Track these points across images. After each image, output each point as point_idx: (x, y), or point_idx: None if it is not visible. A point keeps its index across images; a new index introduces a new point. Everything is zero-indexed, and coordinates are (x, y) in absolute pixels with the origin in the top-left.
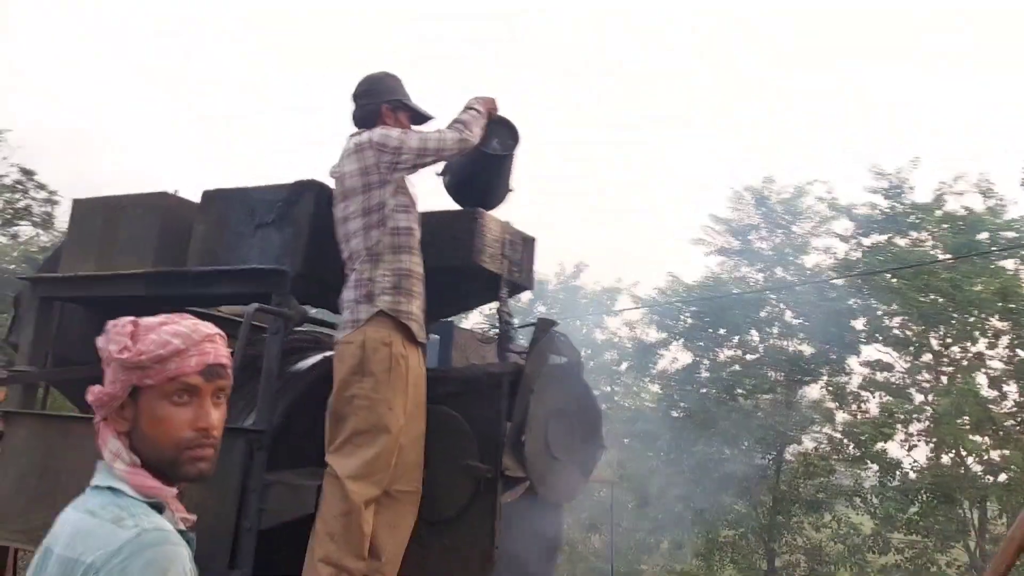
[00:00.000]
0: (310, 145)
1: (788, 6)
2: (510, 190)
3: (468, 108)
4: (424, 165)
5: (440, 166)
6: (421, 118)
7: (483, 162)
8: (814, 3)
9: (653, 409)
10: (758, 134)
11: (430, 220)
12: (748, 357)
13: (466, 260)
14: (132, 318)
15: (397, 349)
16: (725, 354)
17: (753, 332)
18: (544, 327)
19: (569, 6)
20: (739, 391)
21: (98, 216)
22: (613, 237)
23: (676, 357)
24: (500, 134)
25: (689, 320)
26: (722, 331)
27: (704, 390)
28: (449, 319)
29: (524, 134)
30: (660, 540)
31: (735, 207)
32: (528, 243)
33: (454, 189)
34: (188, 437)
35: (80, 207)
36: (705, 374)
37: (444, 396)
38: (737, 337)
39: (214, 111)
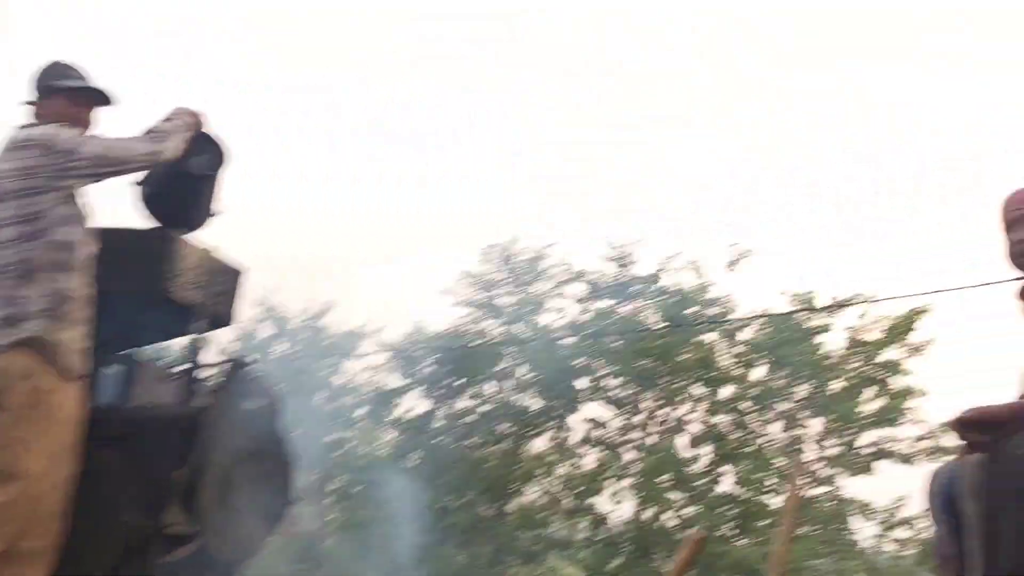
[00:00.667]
0: None
1: None
2: (213, 214)
3: (168, 118)
4: (103, 176)
5: (141, 175)
6: (99, 98)
7: (183, 180)
8: None
9: (385, 457)
10: (501, 194)
11: (114, 237)
12: (482, 409)
13: (154, 286)
14: None
15: (43, 383)
16: (461, 405)
17: (489, 385)
18: (236, 367)
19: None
20: (472, 441)
21: None
22: (364, 279)
23: (413, 406)
24: (206, 151)
25: (429, 368)
26: (460, 381)
27: (437, 439)
28: (132, 351)
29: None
30: None
31: (484, 262)
32: (233, 274)
33: (149, 204)
34: None
35: None
36: (439, 423)
37: (110, 438)
38: (473, 389)
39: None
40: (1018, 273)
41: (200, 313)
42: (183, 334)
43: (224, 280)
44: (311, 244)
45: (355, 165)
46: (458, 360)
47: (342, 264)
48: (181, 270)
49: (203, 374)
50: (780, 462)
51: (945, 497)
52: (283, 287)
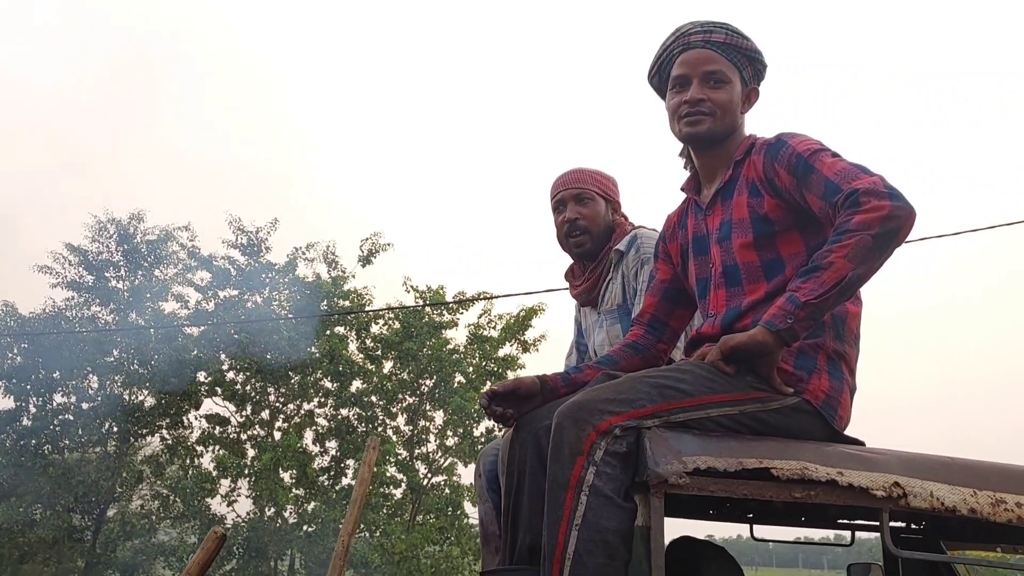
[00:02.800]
0: None
1: None
2: None
3: None
4: None
5: None
6: None
7: None
8: None
9: None
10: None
11: None
12: (84, 405)
13: None
14: None
15: None
16: (57, 400)
17: (93, 377)
18: None
19: None
20: (66, 443)
21: None
22: None
23: None
24: None
25: (19, 359)
26: (56, 374)
27: (23, 441)
28: None
29: None
30: None
31: (96, 239)
32: None
33: None
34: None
35: None
36: (27, 423)
37: None
38: (73, 383)
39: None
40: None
41: None
42: None
43: None
44: None
45: None
46: (53, 351)
47: None
48: None
49: None
50: (401, 454)
51: (491, 475)
52: None
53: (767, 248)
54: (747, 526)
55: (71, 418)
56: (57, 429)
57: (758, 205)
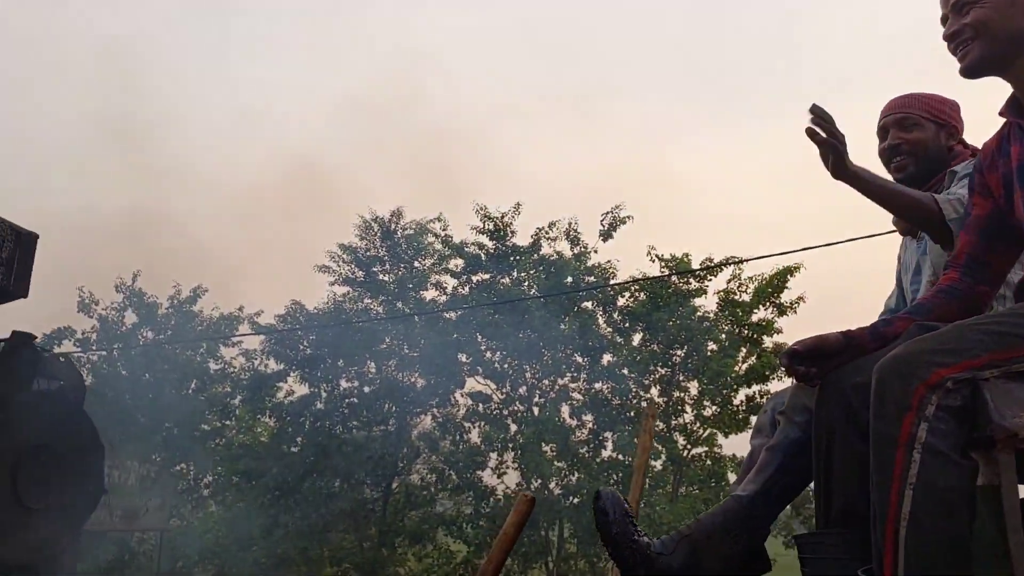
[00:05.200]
0: None
1: None
2: None
3: None
4: None
5: None
6: None
7: None
8: None
9: (266, 445)
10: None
11: None
12: (366, 389)
13: None
14: None
15: None
16: (343, 386)
17: (371, 363)
18: (17, 343)
19: None
20: (354, 423)
21: None
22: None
23: (293, 389)
24: None
25: (308, 350)
26: (341, 362)
27: (319, 423)
28: None
29: None
30: None
31: (363, 237)
32: (24, 239)
33: None
34: None
35: None
36: (320, 406)
37: None
38: (355, 369)
39: None
40: (887, 174)
41: None
42: None
43: (13, 247)
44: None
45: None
46: (336, 341)
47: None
48: None
49: None
50: (659, 426)
51: (772, 415)
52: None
53: None
54: None
55: (355, 400)
56: (345, 411)
57: None
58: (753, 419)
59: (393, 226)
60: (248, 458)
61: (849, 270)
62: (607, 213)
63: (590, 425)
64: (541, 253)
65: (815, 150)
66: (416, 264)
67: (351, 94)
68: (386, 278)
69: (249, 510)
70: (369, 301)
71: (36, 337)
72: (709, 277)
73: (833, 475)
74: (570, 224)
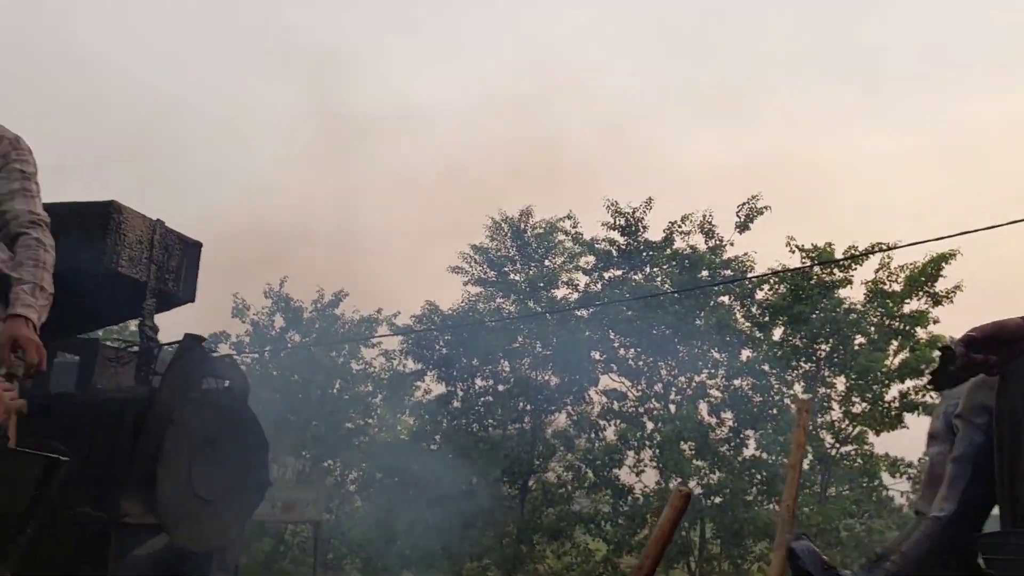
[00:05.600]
0: None
1: None
2: None
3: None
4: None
5: None
6: None
7: None
8: None
9: (406, 442)
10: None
11: (59, 211)
12: (500, 387)
13: (98, 263)
14: None
15: None
16: (478, 384)
17: (504, 362)
18: (189, 344)
19: None
20: (490, 421)
21: None
22: (377, 264)
23: (430, 388)
24: None
25: (444, 350)
26: (475, 361)
27: (456, 421)
28: (91, 335)
29: None
30: None
31: (493, 237)
32: (190, 248)
33: None
34: None
35: None
36: (457, 405)
37: (54, 430)
38: (489, 367)
39: None
40: None
41: (151, 290)
42: (136, 313)
43: (180, 254)
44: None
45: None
46: (470, 341)
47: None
48: (127, 244)
49: (156, 355)
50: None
51: (947, 418)
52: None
53: None
54: None
55: (491, 399)
56: (481, 409)
57: None
58: (907, 417)
59: (523, 225)
60: (390, 455)
61: (1022, 255)
62: (743, 204)
63: (730, 423)
64: (674, 248)
65: (972, 126)
66: (547, 263)
67: (489, 93)
68: (517, 277)
69: (392, 505)
70: (501, 300)
71: (205, 339)
72: (855, 266)
73: (1019, 470)
74: (704, 217)
